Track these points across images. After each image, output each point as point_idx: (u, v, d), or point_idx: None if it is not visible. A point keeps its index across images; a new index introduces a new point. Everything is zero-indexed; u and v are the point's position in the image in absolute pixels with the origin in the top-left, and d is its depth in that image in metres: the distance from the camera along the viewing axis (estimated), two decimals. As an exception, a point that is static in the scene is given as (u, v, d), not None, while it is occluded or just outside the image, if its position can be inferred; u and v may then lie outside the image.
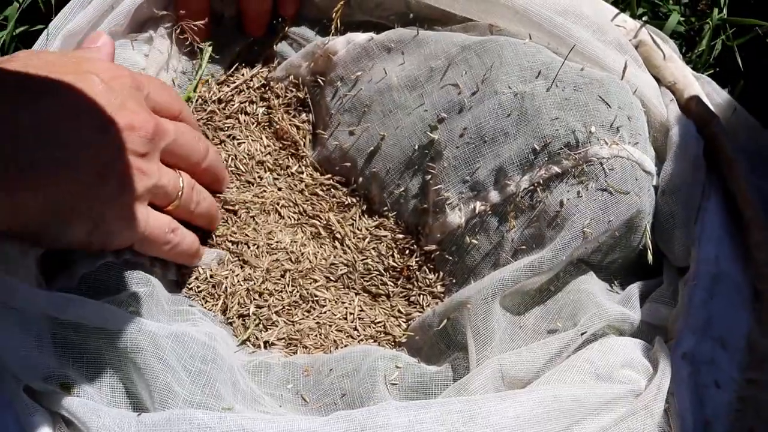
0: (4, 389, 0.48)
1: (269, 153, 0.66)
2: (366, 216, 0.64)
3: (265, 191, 0.65)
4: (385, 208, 0.63)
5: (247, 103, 0.67)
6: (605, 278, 0.59)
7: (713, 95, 0.64)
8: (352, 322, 0.61)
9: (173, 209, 0.56)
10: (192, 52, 0.66)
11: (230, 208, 0.64)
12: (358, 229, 0.64)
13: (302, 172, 0.66)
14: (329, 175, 0.65)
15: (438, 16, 0.65)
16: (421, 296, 0.62)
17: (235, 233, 0.63)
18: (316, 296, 0.62)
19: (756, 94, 0.74)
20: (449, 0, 0.63)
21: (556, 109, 0.57)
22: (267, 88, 0.67)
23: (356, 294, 0.63)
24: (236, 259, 0.62)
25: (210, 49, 0.66)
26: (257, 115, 0.67)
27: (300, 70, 0.66)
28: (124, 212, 0.52)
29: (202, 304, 0.60)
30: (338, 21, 0.65)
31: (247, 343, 0.60)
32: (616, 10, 0.64)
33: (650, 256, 0.57)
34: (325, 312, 0.61)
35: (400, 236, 0.63)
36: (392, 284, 0.63)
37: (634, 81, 0.60)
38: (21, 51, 0.54)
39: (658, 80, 0.63)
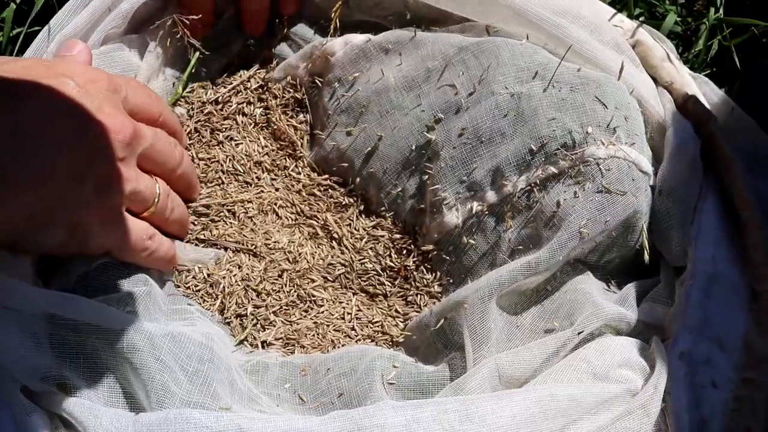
0: (1, 390, 0.49)
1: (267, 153, 0.66)
2: (363, 216, 0.64)
3: (262, 191, 0.65)
4: (383, 209, 0.64)
5: (244, 104, 0.67)
6: (602, 278, 0.59)
7: (710, 95, 0.64)
8: (349, 321, 0.61)
9: (149, 215, 0.56)
10: (190, 52, 0.66)
11: (229, 208, 0.64)
12: (355, 229, 0.64)
13: (300, 173, 0.66)
14: (327, 176, 0.65)
15: (436, 16, 0.65)
16: (419, 296, 0.62)
17: (234, 233, 0.63)
18: (314, 296, 0.62)
19: (753, 93, 0.74)
20: None
21: (553, 109, 0.57)
22: (265, 88, 0.67)
23: (354, 294, 0.63)
24: (234, 258, 0.62)
25: (199, 47, 0.65)
26: (255, 115, 0.67)
27: (298, 71, 0.66)
28: (101, 218, 0.52)
29: (200, 304, 0.60)
30: (337, 21, 0.65)
31: (245, 342, 0.60)
32: (614, 11, 0.64)
33: (646, 256, 0.57)
34: (322, 312, 0.62)
35: (398, 236, 0.63)
36: (389, 284, 0.63)
37: (631, 81, 0.60)
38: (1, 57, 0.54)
39: (655, 80, 0.63)
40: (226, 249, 0.62)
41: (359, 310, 0.62)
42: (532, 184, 0.58)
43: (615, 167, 0.56)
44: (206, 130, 0.66)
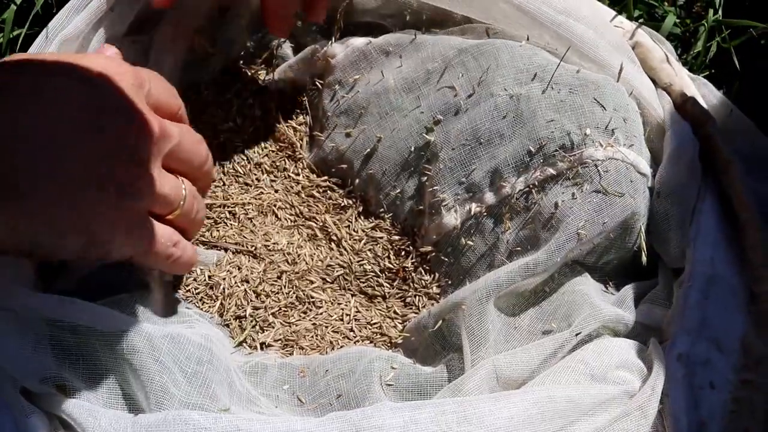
0: (1, 391, 0.49)
1: (267, 155, 0.67)
2: (362, 218, 0.64)
3: (262, 193, 0.65)
4: (382, 210, 0.64)
5: (245, 106, 0.67)
6: (600, 279, 0.59)
7: (709, 97, 0.64)
8: (348, 323, 0.62)
9: (174, 218, 0.52)
10: (191, 53, 0.66)
11: (229, 209, 0.64)
12: (354, 230, 0.64)
13: (299, 174, 0.66)
14: (326, 177, 0.66)
15: (435, 17, 0.65)
16: (417, 297, 0.62)
17: (234, 235, 0.63)
18: (313, 297, 0.62)
19: (752, 95, 0.74)
20: (449, -1, 0.63)
21: (552, 111, 0.58)
22: (265, 90, 0.67)
23: (352, 295, 0.63)
24: (234, 260, 0.62)
25: (200, 48, 0.65)
26: (255, 117, 0.67)
27: (298, 73, 0.66)
28: (123, 224, 0.48)
29: (199, 306, 0.60)
30: (341, 22, 0.65)
31: (244, 344, 0.60)
32: (614, 12, 0.64)
33: (645, 258, 0.57)
34: (321, 313, 0.62)
35: (396, 238, 0.63)
36: (388, 285, 0.63)
37: (631, 81, 0.60)
38: (15, 54, 0.52)
39: (654, 82, 0.62)
40: (226, 250, 0.63)
41: (358, 312, 0.62)
42: (531, 186, 0.58)
43: (613, 169, 0.56)
44: (207, 132, 0.66)
